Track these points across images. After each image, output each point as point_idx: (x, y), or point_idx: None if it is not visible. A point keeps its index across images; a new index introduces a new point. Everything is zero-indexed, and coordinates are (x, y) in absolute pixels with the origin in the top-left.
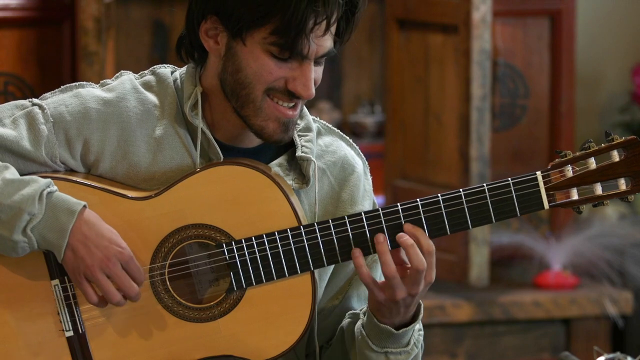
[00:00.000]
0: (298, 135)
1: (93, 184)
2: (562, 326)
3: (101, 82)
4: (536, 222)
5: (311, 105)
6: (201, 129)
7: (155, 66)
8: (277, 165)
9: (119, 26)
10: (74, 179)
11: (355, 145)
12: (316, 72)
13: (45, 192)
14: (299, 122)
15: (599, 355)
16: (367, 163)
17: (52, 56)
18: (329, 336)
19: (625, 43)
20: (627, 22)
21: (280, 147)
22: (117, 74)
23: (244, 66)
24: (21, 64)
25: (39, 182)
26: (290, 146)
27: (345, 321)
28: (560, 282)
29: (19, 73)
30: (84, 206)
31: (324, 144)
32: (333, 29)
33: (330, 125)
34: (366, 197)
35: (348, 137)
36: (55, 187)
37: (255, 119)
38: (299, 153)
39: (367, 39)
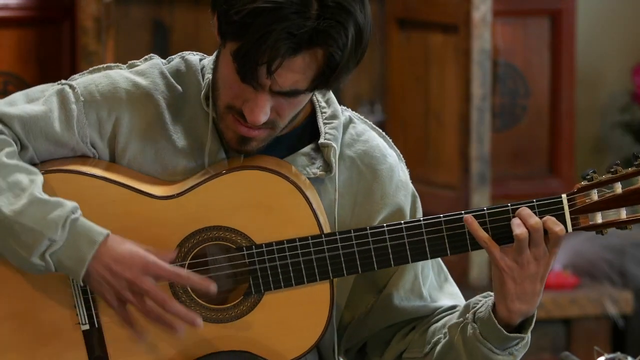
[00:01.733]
0: (324, 123)
1: (117, 179)
2: (563, 326)
3: (129, 62)
4: None
5: None
6: (212, 117)
7: (184, 52)
8: (302, 155)
9: (118, 26)
10: (98, 173)
11: (388, 137)
12: (279, 104)
13: (69, 219)
14: (325, 109)
15: (600, 355)
16: (401, 155)
17: (52, 56)
18: (372, 333)
19: (625, 43)
20: (627, 22)
21: (306, 134)
22: (145, 57)
23: (219, 68)
24: (21, 64)
25: (64, 207)
26: (317, 135)
27: (438, 337)
28: (561, 282)
29: (18, 72)
30: (107, 235)
31: (356, 132)
32: (298, 67)
33: (363, 117)
34: (400, 189)
35: (381, 130)
36: (79, 213)
37: (220, 122)
38: (321, 140)
39: None
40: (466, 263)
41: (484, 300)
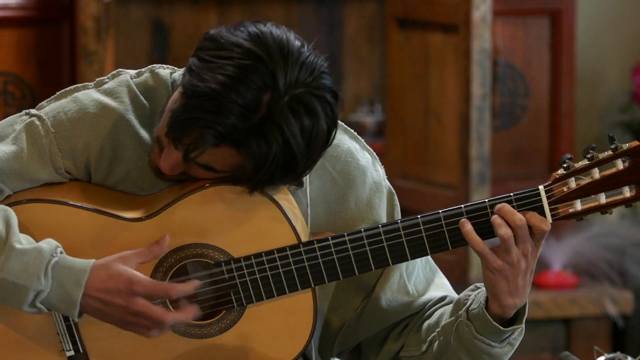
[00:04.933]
0: None
1: (90, 205)
2: (563, 326)
3: (97, 80)
4: None
5: None
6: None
7: (154, 65)
8: None
9: (118, 26)
10: (71, 200)
11: (360, 137)
12: (192, 168)
13: (50, 265)
14: None
15: (599, 355)
16: (375, 154)
17: (52, 55)
18: (365, 337)
19: (625, 42)
20: (627, 21)
21: None
22: (113, 72)
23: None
24: (20, 64)
25: (43, 254)
26: None
27: (433, 335)
28: (561, 282)
29: (18, 72)
30: (91, 269)
31: None
32: (218, 155)
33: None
34: (374, 192)
35: (352, 130)
36: (59, 252)
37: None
38: None
39: (367, 38)
40: (466, 263)
41: (474, 295)
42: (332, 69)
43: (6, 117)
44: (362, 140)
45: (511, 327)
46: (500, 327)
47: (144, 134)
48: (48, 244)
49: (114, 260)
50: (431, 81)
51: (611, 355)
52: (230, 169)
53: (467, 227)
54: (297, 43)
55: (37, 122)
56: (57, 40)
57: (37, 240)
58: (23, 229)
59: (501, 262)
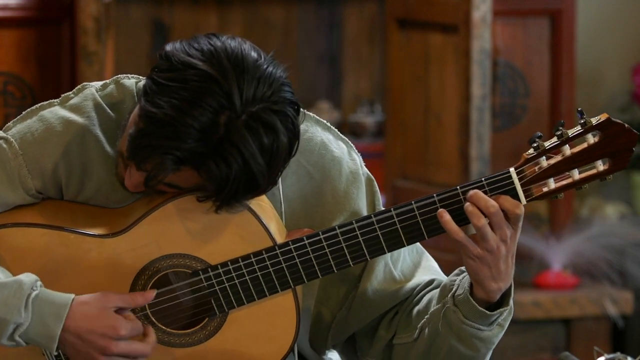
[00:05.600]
0: None
1: (61, 224)
2: (562, 326)
3: (62, 96)
4: (536, 222)
5: (311, 104)
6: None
7: (119, 75)
8: None
9: (118, 26)
10: (40, 222)
11: (333, 128)
12: (158, 186)
13: (31, 298)
14: None
15: (599, 355)
16: (350, 143)
17: (52, 56)
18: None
19: (625, 42)
20: (627, 21)
21: None
22: (79, 86)
23: (132, 116)
24: (20, 64)
25: (23, 287)
26: None
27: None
28: (560, 282)
29: (18, 73)
30: (71, 303)
31: None
32: (179, 175)
33: (304, 111)
34: (351, 182)
35: (325, 121)
36: (39, 285)
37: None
38: None
39: (367, 38)
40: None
41: (459, 280)
42: (332, 69)
43: (6, 117)
44: (336, 130)
45: (498, 310)
46: (487, 311)
47: (112, 147)
48: (28, 277)
49: (97, 300)
50: (431, 81)
51: (611, 355)
52: (196, 188)
53: (446, 217)
54: (254, 56)
55: (5, 145)
56: (57, 41)
57: (9, 267)
58: None
59: (481, 250)
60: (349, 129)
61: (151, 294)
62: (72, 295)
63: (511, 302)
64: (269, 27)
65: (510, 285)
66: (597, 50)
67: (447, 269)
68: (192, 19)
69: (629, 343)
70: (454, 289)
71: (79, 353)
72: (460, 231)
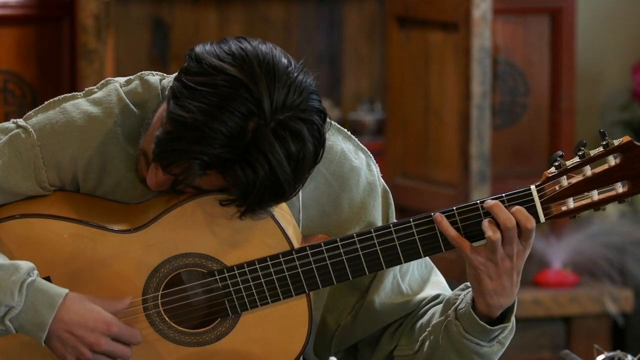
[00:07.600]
0: None
1: (77, 217)
2: (563, 324)
3: (86, 90)
4: None
5: None
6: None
7: (143, 72)
8: None
9: (118, 24)
10: (56, 213)
11: (354, 137)
12: (181, 187)
13: (25, 283)
14: None
15: (599, 353)
16: (369, 154)
17: (52, 54)
18: (361, 337)
19: (625, 41)
20: (627, 20)
21: None
22: (103, 81)
23: (156, 115)
24: (20, 62)
25: (20, 271)
26: None
27: (424, 335)
28: (561, 280)
29: (18, 71)
30: (66, 296)
31: None
32: (205, 179)
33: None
34: (368, 193)
35: (346, 130)
36: (35, 274)
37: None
38: None
39: (367, 37)
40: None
41: (463, 295)
42: (332, 67)
43: (6, 115)
44: (356, 139)
45: (499, 326)
46: (488, 326)
47: (133, 144)
48: (26, 263)
49: (89, 299)
50: (431, 79)
51: (611, 353)
52: (220, 190)
53: (440, 220)
54: (284, 63)
55: (23, 135)
56: (57, 39)
57: (22, 258)
58: (3, 246)
59: (483, 259)
60: (349, 127)
61: (126, 300)
62: (66, 290)
63: (513, 319)
64: (268, 25)
65: (514, 303)
66: (598, 48)
67: (447, 269)
68: (193, 17)
69: (629, 341)
70: (457, 303)
71: (65, 347)
72: (458, 237)
